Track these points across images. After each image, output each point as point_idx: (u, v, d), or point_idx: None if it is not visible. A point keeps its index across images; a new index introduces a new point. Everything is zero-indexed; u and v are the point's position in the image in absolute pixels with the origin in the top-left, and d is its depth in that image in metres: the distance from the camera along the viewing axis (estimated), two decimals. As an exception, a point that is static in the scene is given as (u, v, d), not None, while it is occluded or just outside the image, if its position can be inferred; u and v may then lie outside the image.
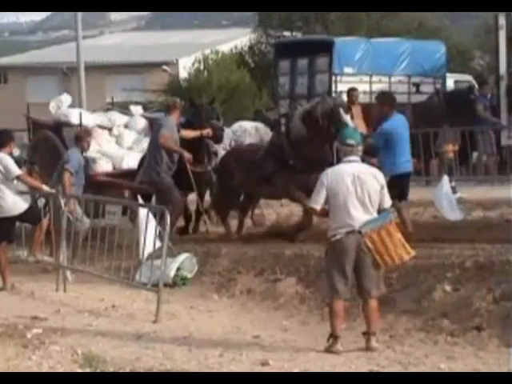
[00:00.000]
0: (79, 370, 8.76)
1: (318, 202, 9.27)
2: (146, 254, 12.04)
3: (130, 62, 43.50)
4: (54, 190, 13.94)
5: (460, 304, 10.04)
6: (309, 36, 34.19)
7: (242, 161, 14.16)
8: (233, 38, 45.72)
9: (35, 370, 8.79)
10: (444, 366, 8.59)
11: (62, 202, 13.18)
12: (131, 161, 15.37)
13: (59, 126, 15.73)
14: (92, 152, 15.27)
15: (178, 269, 12.44)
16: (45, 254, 13.91)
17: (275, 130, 14.73)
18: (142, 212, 12.36)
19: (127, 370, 8.60)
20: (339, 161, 9.70)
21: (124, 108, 18.65)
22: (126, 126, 16.19)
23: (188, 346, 9.64)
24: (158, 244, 11.86)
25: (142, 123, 16.51)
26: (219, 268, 12.64)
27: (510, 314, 9.63)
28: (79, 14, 28.26)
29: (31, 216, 13.60)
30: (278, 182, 13.48)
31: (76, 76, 29.20)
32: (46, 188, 14.02)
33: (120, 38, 64.97)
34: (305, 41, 30.48)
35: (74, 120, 15.52)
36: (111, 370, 8.65)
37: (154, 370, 8.58)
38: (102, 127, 15.81)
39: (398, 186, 12.33)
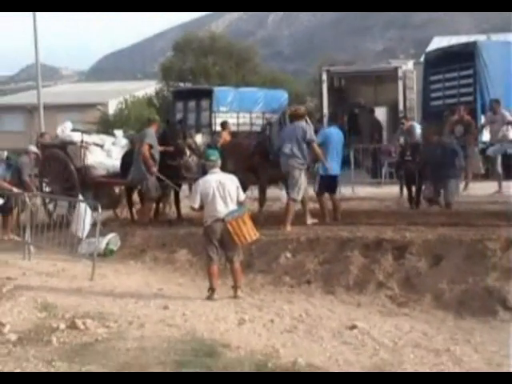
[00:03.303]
0: (38, 314, 8.66)
1: (195, 202, 9.34)
2: (84, 234, 11.96)
3: (75, 103, 42.91)
4: (19, 191, 13.75)
5: (296, 266, 10.20)
6: (196, 86, 34.21)
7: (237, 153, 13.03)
8: (145, 87, 45.42)
9: (8, 314, 8.70)
10: (286, 308, 8.72)
11: (27, 199, 13.01)
12: (118, 168, 14.91)
13: (65, 145, 15.31)
14: (91, 162, 15.02)
15: (107, 244, 12.33)
16: (15, 235, 13.64)
17: (262, 134, 13.56)
18: (82, 205, 12.25)
19: (71, 313, 8.55)
20: None
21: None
22: (113, 144, 15.84)
23: (113, 296, 9.60)
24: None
25: (123, 141, 16.12)
26: (135, 243, 12.52)
27: (329, 272, 9.84)
28: (39, 70, 27.83)
29: (5, 208, 13.40)
30: (259, 171, 12.66)
31: (37, 113, 28.71)
32: (15, 190, 13.87)
33: (68, 87, 64.28)
34: (193, 89, 30.59)
35: (76, 139, 15.21)
36: (60, 313, 8.59)
37: (91, 314, 8.53)
38: (96, 144, 15.49)
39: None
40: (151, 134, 13.44)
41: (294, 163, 11.67)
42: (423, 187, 13.73)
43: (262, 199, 12.81)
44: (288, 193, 11.97)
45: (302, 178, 11.79)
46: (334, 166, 12.36)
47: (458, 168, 13.28)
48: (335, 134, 12.74)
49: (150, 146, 13.25)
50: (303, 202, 12.16)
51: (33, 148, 15.06)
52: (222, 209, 9.19)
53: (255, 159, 12.73)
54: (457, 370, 6.50)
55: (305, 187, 11.96)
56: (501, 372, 5.96)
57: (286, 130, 12.03)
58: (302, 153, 11.67)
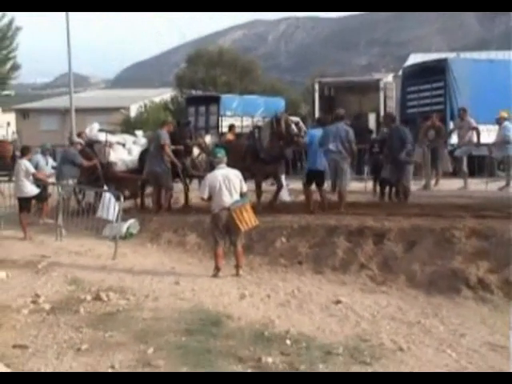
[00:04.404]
0: (68, 287, 8.71)
1: (204, 194, 9.32)
2: (113, 218, 11.92)
3: (102, 107, 43.04)
4: (54, 181, 13.77)
5: (290, 249, 10.15)
6: (205, 93, 34.12)
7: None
8: (161, 93, 45.39)
9: (43, 286, 8.76)
10: (280, 285, 8.71)
11: (60, 188, 13.04)
12: (136, 164, 14.81)
13: (92, 143, 15.27)
14: (113, 159, 14.92)
15: (128, 228, 12.31)
16: (49, 219, 13.66)
17: (251, 137, 13.46)
18: (107, 195, 12.25)
19: (97, 287, 8.59)
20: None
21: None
22: (133, 143, 15.78)
23: (132, 273, 9.62)
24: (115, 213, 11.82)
25: (143, 141, 16.03)
26: (152, 228, 12.48)
27: (318, 255, 9.81)
28: (72, 78, 27.72)
29: (41, 196, 13.42)
30: (253, 169, 12.64)
31: (70, 115, 28.66)
32: (50, 180, 13.89)
33: (96, 93, 64.37)
34: (203, 96, 30.46)
35: (102, 139, 15.17)
36: (87, 287, 8.63)
37: (113, 288, 8.57)
38: (119, 143, 15.45)
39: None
40: (165, 134, 13.44)
41: (343, 157, 11.83)
42: (383, 170, 13.13)
43: (258, 193, 12.86)
44: (337, 184, 11.93)
45: (348, 170, 11.98)
46: (322, 162, 12.18)
47: (408, 153, 12.75)
48: (319, 135, 12.68)
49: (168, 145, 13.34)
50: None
51: (78, 139, 15.04)
52: (228, 199, 9.19)
53: (247, 160, 12.70)
54: (427, 339, 6.53)
55: (349, 178, 12.14)
56: (499, 372, 5.90)
57: (330, 130, 12.02)
58: (346, 149, 11.80)
